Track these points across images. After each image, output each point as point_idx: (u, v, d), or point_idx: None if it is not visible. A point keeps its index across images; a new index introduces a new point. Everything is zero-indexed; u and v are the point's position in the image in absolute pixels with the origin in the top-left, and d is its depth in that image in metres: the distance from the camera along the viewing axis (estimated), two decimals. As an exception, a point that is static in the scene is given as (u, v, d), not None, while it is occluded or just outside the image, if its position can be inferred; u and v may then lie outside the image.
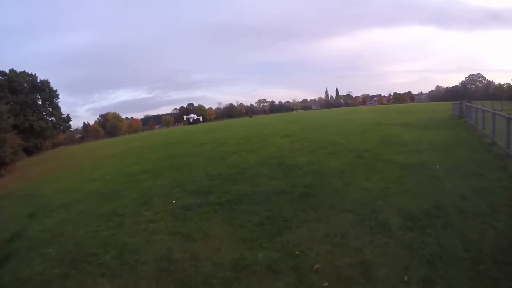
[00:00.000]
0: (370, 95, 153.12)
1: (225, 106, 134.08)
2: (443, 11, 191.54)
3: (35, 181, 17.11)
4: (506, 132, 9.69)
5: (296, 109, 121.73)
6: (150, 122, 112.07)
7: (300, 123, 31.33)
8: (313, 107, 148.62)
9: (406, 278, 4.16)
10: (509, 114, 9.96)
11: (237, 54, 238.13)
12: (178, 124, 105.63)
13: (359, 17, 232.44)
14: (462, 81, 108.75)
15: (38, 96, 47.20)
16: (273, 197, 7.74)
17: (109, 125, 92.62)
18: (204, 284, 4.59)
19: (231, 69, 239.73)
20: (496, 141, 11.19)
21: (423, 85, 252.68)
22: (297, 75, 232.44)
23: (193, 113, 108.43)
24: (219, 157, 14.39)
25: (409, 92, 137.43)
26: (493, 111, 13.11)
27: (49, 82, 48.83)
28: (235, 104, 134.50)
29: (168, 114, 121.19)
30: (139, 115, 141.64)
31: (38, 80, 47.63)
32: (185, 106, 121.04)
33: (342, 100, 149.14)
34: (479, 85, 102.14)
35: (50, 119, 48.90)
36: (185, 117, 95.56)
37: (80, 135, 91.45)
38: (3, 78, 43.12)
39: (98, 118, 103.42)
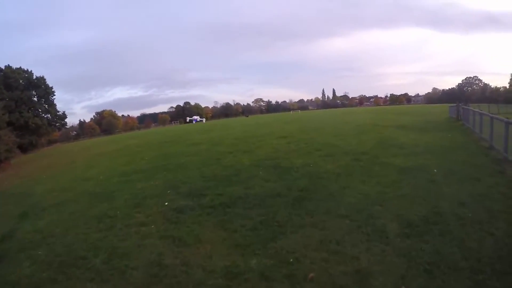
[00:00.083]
0: (367, 96, 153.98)
1: (221, 105, 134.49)
2: (440, 13, 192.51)
3: (28, 179, 17.01)
4: (504, 136, 9.59)
5: (293, 109, 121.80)
6: (146, 120, 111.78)
7: (297, 124, 31.28)
8: (310, 107, 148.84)
9: (403, 288, 4.04)
10: (507, 118, 9.89)
11: (235, 53, 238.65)
12: (174, 122, 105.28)
13: (357, 17, 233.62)
14: (458, 83, 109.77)
15: (34, 92, 46.91)
16: (268, 201, 7.59)
17: (105, 122, 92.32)
18: (195, 292, 4.44)
19: (228, 68, 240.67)
20: (494, 145, 11.11)
21: (420, 87, 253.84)
22: (295, 75, 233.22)
23: (191, 112, 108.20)
24: (214, 157, 14.26)
25: (406, 94, 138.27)
26: (491, 114, 13.03)
27: (45, 79, 48.55)
28: (232, 103, 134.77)
29: (165, 112, 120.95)
30: (135, 113, 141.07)
31: (34, 77, 47.34)
32: (181, 104, 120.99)
33: (338, 101, 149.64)
34: (476, 88, 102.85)
35: (45, 116, 48.60)
36: (188, 118, 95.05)
37: (76, 133, 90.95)
38: (-2, 74, 42.73)
39: (94, 116, 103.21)
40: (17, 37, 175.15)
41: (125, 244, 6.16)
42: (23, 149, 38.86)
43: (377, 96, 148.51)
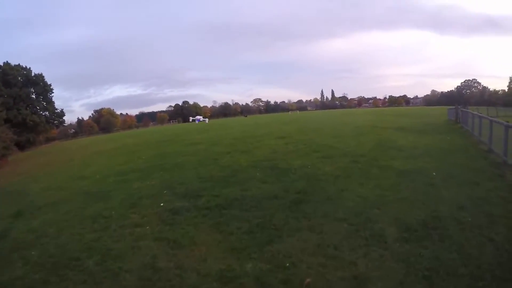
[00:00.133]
0: (366, 97, 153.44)
1: (220, 104, 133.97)
2: (440, 16, 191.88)
3: (25, 177, 16.91)
4: (503, 140, 9.52)
5: (292, 110, 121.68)
6: (145, 119, 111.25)
7: (295, 124, 31.18)
8: (309, 108, 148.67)
9: (401, 295, 3.95)
10: (507, 122, 9.83)
11: (235, 53, 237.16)
12: (172, 121, 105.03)
13: (357, 19, 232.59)
14: (457, 86, 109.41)
15: (32, 90, 46.65)
16: (265, 203, 7.50)
17: (103, 121, 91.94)
18: (189, 297, 4.35)
19: (228, 68, 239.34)
20: (493, 149, 11.05)
21: (419, 89, 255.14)
22: (294, 75, 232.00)
23: (190, 112, 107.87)
24: (212, 157, 14.16)
25: (405, 96, 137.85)
26: (490, 118, 12.99)
27: (43, 76, 48.35)
28: (231, 103, 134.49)
29: (163, 111, 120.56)
30: (133, 112, 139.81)
31: (33, 74, 47.11)
32: (180, 103, 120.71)
33: (337, 102, 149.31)
34: (474, 90, 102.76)
35: (43, 114, 48.37)
36: (191, 118, 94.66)
37: (74, 130, 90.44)
38: (-4, 71, 42.55)
39: (92, 114, 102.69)
40: (16, 34, 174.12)
41: (119, 246, 6.07)
42: (21, 146, 38.69)
43: (376, 97, 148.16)
